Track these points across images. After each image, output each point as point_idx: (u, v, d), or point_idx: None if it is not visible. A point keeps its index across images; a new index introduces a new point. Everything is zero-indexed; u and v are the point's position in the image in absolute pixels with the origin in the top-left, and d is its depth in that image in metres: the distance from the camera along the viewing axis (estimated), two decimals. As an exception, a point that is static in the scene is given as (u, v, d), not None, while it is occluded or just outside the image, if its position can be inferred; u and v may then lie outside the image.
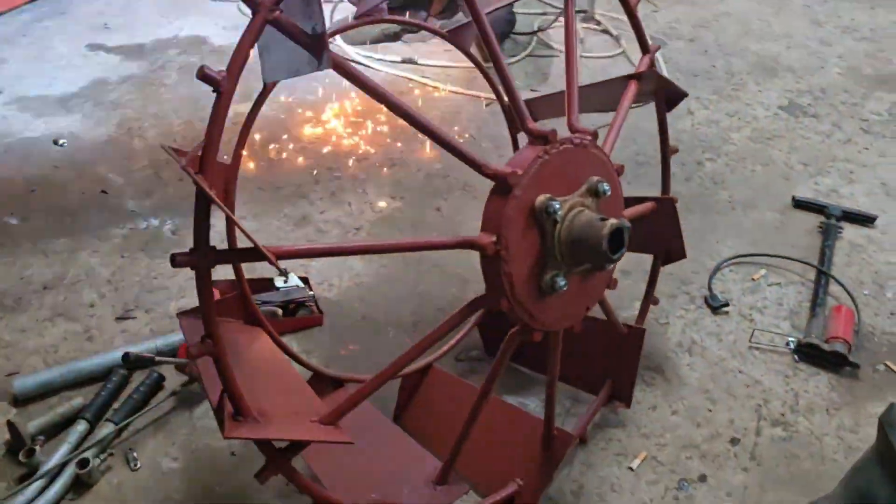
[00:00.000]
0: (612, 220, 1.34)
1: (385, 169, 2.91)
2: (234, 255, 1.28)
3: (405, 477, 1.58)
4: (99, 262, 2.46)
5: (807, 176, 2.95)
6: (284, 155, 2.99)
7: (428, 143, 3.04)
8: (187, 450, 1.89)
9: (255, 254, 1.17)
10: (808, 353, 2.16)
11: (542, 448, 1.74)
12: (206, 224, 1.17)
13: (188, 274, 2.31)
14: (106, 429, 1.89)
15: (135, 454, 1.87)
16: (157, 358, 2.01)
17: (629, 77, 1.75)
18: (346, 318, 2.26)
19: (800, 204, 2.76)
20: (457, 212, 2.69)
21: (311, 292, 2.28)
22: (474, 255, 1.37)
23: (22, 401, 1.98)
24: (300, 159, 2.97)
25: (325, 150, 3.02)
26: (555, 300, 1.44)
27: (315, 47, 1.22)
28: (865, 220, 2.70)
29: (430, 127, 1.31)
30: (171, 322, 2.24)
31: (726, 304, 2.34)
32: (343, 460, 1.57)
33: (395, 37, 3.80)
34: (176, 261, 1.17)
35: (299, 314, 2.22)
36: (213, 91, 1.15)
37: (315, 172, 2.89)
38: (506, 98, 1.60)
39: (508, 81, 1.42)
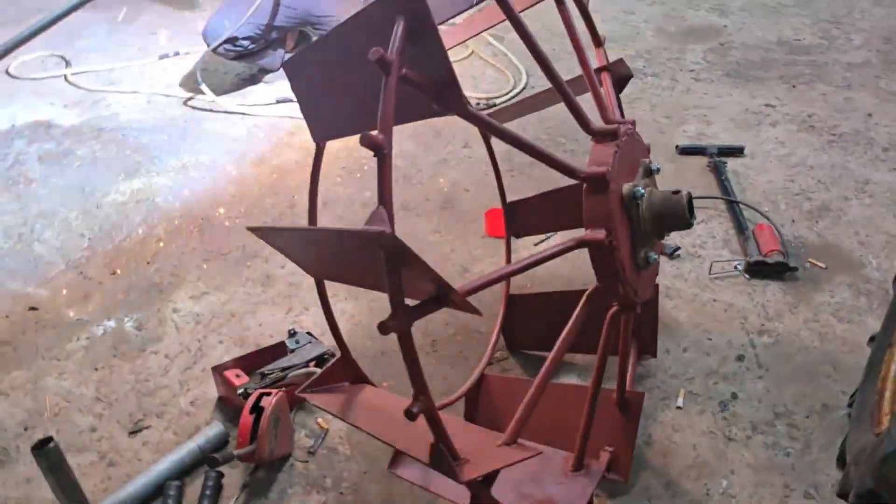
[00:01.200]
0: (684, 191, 1.55)
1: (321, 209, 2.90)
2: (428, 309, 1.24)
3: (543, 473, 1.68)
4: (73, 382, 2.22)
5: (674, 126, 3.39)
6: (216, 222, 2.86)
7: (350, 183, 3.06)
8: (284, 533, 1.83)
9: (443, 299, 1.22)
10: (756, 270, 2.55)
11: (620, 412, 1.92)
12: (400, 289, 1.17)
13: (183, 365, 2.21)
14: (194, 542, 1.77)
15: (237, 555, 1.77)
16: (236, 452, 1.89)
17: (602, 69, 1.96)
18: (367, 358, 2.26)
19: (684, 150, 3.19)
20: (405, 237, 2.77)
21: (324, 344, 2.26)
22: (446, 268, 1.51)
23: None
24: (226, 223, 2.86)
25: (245, 207, 2.93)
26: (645, 274, 1.62)
27: (443, 94, 1.27)
28: (737, 151, 3.19)
29: (535, 146, 1.42)
30: (190, 419, 2.10)
31: (678, 249, 2.67)
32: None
33: (252, 79, 3.73)
34: (387, 328, 1.17)
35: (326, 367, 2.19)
36: (375, 155, 1.17)
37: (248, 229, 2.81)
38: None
39: (567, 93, 1.56)
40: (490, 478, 1.37)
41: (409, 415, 1.20)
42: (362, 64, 1.21)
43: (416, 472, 1.76)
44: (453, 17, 1.66)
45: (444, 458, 1.26)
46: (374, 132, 1.17)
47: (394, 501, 1.90)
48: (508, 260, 2.43)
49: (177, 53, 3.92)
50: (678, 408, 2.12)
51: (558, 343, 1.54)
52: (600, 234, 1.48)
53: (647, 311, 2.16)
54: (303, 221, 2.83)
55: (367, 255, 1.22)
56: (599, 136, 1.56)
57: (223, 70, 3.79)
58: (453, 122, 3.36)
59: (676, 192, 1.56)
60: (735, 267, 2.60)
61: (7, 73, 3.80)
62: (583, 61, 1.73)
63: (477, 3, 1.57)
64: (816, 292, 2.49)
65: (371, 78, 1.24)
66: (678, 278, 2.57)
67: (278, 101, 3.52)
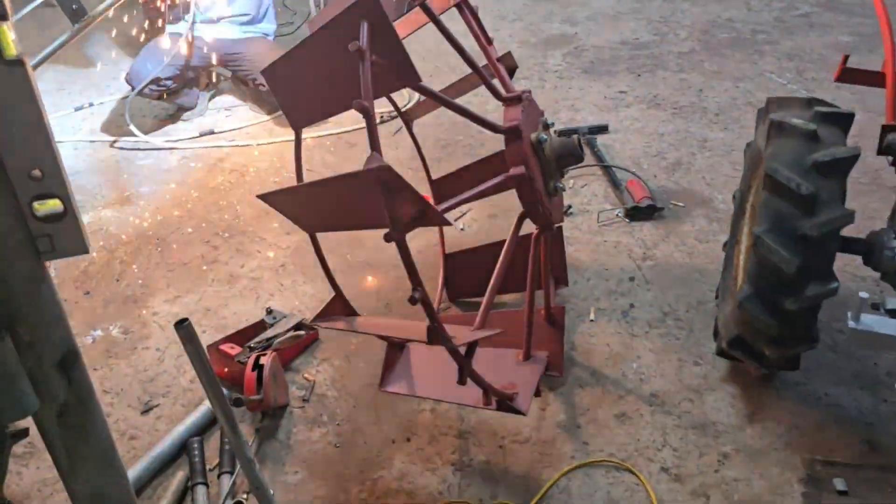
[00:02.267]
0: (574, 135, 2.11)
1: (265, 216, 3.27)
2: (415, 224, 1.66)
3: (502, 366, 2.16)
4: (77, 383, 2.49)
5: (550, 116, 3.99)
6: (171, 239, 3.17)
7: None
8: (299, 463, 2.21)
9: (425, 217, 1.69)
10: (633, 214, 3.17)
11: (549, 324, 2.44)
12: (397, 209, 1.63)
13: (175, 353, 2.54)
14: (226, 481, 2.12)
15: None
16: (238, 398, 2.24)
17: (501, 58, 2.50)
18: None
19: (561, 134, 3.79)
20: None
21: (298, 315, 2.65)
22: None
23: None
24: (181, 239, 3.18)
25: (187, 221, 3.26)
26: (555, 200, 2.16)
27: (402, 72, 1.75)
28: (603, 129, 3.84)
29: (467, 109, 1.93)
30: (193, 393, 2.44)
31: (570, 207, 3.25)
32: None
33: (172, 118, 4.05)
34: (389, 237, 1.62)
35: (303, 335, 2.58)
36: (364, 117, 1.63)
37: (208, 242, 3.15)
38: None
39: (482, 73, 2.08)
40: (470, 352, 1.84)
41: (412, 300, 1.66)
42: (335, 59, 1.68)
43: (402, 386, 2.20)
44: (395, 20, 2.15)
45: (439, 334, 1.71)
46: (360, 101, 1.64)
47: (381, 422, 2.33)
48: (441, 233, 2.91)
49: (91, 104, 4.18)
50: (591, 321, 2.67)
51: (500, 260, 2.04)
52: (521, 169, 2.00)
53: (556, 251, 2.71)
54: (251, 230, 3.21)
55: (365, 193, 1.67)
56: (509, 101, 2.09)
57: (142, 113, 4.09)
58: (364, 133, 3.81)
59: (570, 136, 2.11)
60: (617, 214, 3.21)
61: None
62: (486, 50, 2.27)
63: (407, 11, 2.06)
64: (681, 224, 3.14)
65: (341, 69, 1.70)
66: (574, 229, 3.14)
67: (202, 134, 3.87)
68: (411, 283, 1.68)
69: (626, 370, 2.47)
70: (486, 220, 3.22)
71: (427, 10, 2.01)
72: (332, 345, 2.62)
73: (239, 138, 3.86)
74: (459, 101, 2.13)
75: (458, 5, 2.31)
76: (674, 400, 2.36)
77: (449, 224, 1.73)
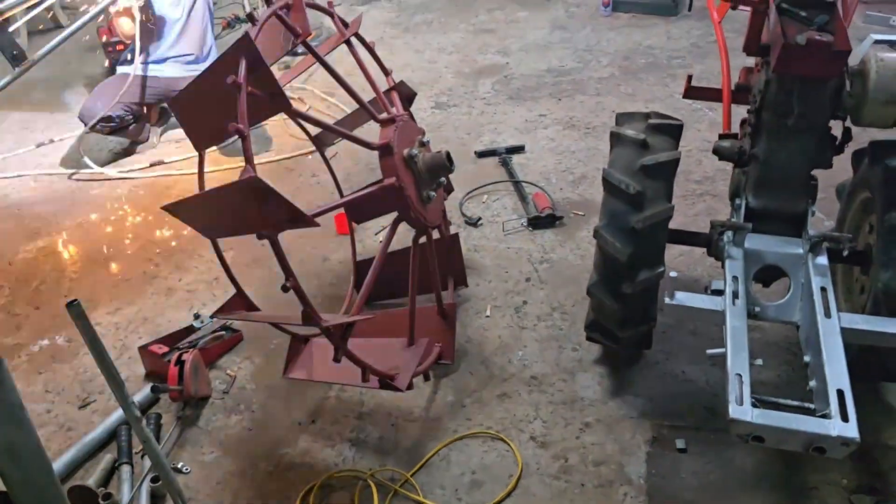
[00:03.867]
0: (444, 150, 2.45)
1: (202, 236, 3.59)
2: (287, 226, 2.00)
3: (389, 352, 2.48)
4: (23, 384, 2.79)
5: (473, 139, 4.37)
6: (118, 258, 3.49)
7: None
8: (215, 444, 2.51)
9: (298, 220, 2.02)
10: (535, 223, 3.51)
11: (441, 318, 2.77)
12: (269, 213, 1.96)
13: (113, 357, 2.82)
14: (148, 461, 2.41)
15: (181, 464, 2.43)
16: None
17: (391, 89, 2.85)
18: (260, 328, 2.98)
19: (481, 154, 4.16)
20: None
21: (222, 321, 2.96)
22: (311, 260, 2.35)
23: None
24: (126, 257, 3.50)
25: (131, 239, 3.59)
26: (431, 206, 2.49)
27: (276, 102, 2.10)
28: (519, 149, 4.20)
29: (341, 130, 2.27)
30: (128, 390, 2.73)
31: (479, 219, 3.59)
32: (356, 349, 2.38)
33: (125, 151, 4.39)
34: (263, 236, 1.94)
35: (227, 336, 2.89)
36: (239, 137, 1.96)
37: (150, 259, 3.47)
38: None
39: (363, 102, 2.43)
40: (345, 336, 2.15)
41: (284, 289, 1.98)
42: (222, 91, 2.02)
43: (303, 373, 2.51)
44: (278, 59, 2.50)
45: (310, 316, 2.03)
46: (234, 124, 1.97)
47: (291, 408, 2.63)
48: (353, 243, 3.24)
49: (52, 140, 4.52)
50: (487, 316, 3.00)
51: (377, 256, 2.36)
52: (392, 180, 2.34)
53: (454, 255, 3.04)
54: (190, 248, 3.54)
55: (242, 201, 1.99)
56: (384, 123, 2.44)
57: (98, 147, 4.43)
58: (302, 160, 4.19)
59: (439, 152, 2.45)
60: (521, 224, 3.55)
61: None
62: (369, 79, 2.63)
63: (291, 49, 2.40)
64: (578, 231, 3.48)
65: (228, 100, 2.04)
66: (482, 238, 3.48)
67: (152, 165, 4.20)
68: (284, 274, 2.01)
69: (513, 357, 2.79)
70: (403, 232, 3.54)
71: (309, 48, 2.36)
72: (254, 345, 2.93)
73: (186, 167, 4.20)
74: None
75: (347, 41, 2.66)
76: (550, 380, 2.67)
77: (317, 225, 2.04)
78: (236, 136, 1.92)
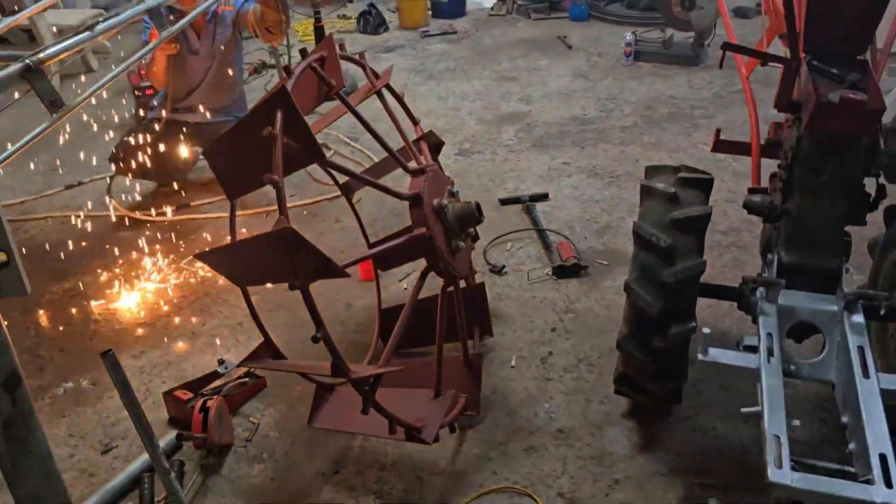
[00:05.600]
0: (473, 201, 2.46)
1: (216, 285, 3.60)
2: (318, 276, 2.00)
3: (414, 403, 2.45)
4: (46, 427, 2.77)
5: (497, 185, 4.39)
6: (132, 300, 3.51)
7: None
8: (237, 494, 2.48)
9: (328, 270, 2.02)
10: (560, 272, 3.50)
11: (467, 368, 2.74)
12: (301, 263, 1.96)
13: (141, 398, 2.82)
14: (169, 511, 2.39)
15: (202, 514, 2.40)
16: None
17: (420, 139, 2.88)
18: (284, 375, 2.97)
19: (505, 201, 4.17)
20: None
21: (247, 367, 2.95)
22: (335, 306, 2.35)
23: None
24: (151, 301, 3.52)
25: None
26: (459, 256, 2.49)
27: (310, 153, 2.12)
28: (542, 197, 4.21)
29: (374, 181, 2.29)
30: (149, 436, 2.72)
31: (503, 267, 3.58)
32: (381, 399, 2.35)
33: (154, 195, 4.44)
34: (295, 286, 1.94)
35: (251, 383, 2.88)
36: (274, 188, 1.98)
37: (176, 303, 3.48)
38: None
39: (392, 151, 2.45)
40: (373, 387, 2.14)
41: (314, 339, 1.97)
42: (258, 141, 2.05)
43: (328, 422, 2.49)
44: (312, 111, 2.54)
45: (340, 368, 2.02)
46: (269, 175, 1.99)
47: (315, 457, 2.60)
48: (378, 289, 3.24)
49: (80, 182, 4.59)
50: (512, 367, 2.97)
51: (405, 306, 2.36)
52: (422, 230, 2.34)
53: (480, 304, 3.02)
54: (214, 292, 3.55)
55: (274, 250, 2.00)
56: (414, 173, 2.45)
57: (125, 190, 4.49)
58: (326, 205, 4.22)
59: (469, 203, 2.46)
60: (546, 273, 3.53)
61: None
62: (400, 130, 2.65)
63: (323, 101, 2.43)
64: (603, 281, 3.46)
65: (263, 150, 2.07)
66: (507, 287, 3.46)
67: (178, 208, 4.25)
68: (315, 325, 2.00)
69: (539, 410, 2.75)
70: (429, 279, 3.54)
71: (343, 100, 2.39)
72: (278, 392, 2.91)
73: (211, 211, 4.24)
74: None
75: (378, 93, 2.70)
76: (577, 434, 2.63)
77: (347, 276, 2.04)
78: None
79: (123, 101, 5.53)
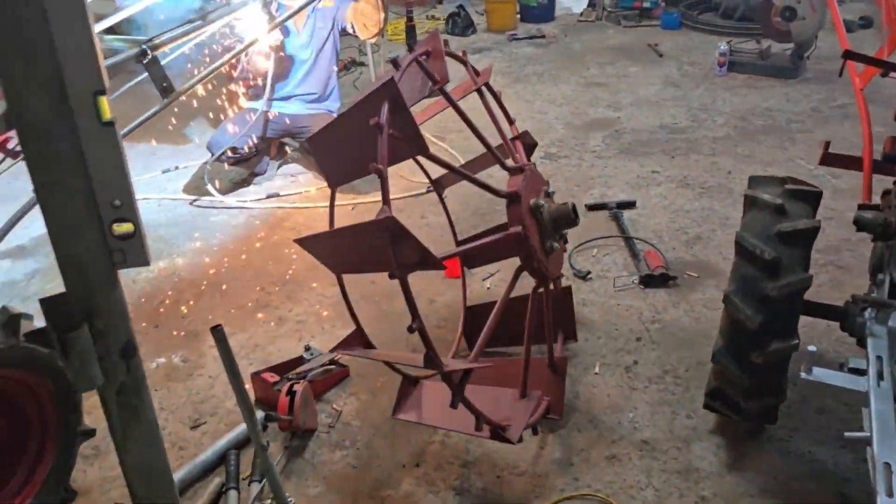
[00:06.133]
0: (570, 202, 2.43)
1: (314, 269, 3.67)
2: (416, 267, 2.01)
3: (501, 402, 2.43)
4: (140, 400, 2.89)
5: (583, 191, 4.34)
6: (233, 285, 3.61)
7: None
8: (319, 479, 2.51)
9: (426, 262, 2.02)
10: (647, 281, 3.42)
11: (551, 372, 2.71)
12: (400, 253, 1.97)
13: (224, 381, 2.91)
14: (255, 488, 2.44)
15: (287, 495, 2.44)
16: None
17: (515, 138, 2.87)
18: (367, 366, 3.00)
19: (591, 207, 4.12)
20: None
21: (332, 354, 2.99)
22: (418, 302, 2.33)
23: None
24: (241, 284, 3.62)
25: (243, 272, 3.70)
26: (552, 258, 2.47)
27: (414, 144, 2.13)
28: (630, 204, 4.14)
29: (473, 177, 2.29)
30: (236, 415, 2.79)
31: (588, 273, 3.53)
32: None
33: (244, 182, 4.57)
34: (393, 276, 1.96)
35: (335, 371, 2.92)
36: (379, 177, 2.00)
37: (263, 289, 3.57)
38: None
39: (491, 148, 2.45)
40: (463, 382, 2.13)
41: (410, 329, 1.98)
42: (362, 131, 2.07)
43: (412, 415, 2.50)
44: (415, 103, 2.55)
45: (433, 359, 2.02)
46: (375, 165, 2.01)
47: (396, 448, 2.62)
48: (464, 287, 3.24)
49: (177, 167, 4.77)
50: (595, 373, 2.92)
51: (497, 305, 2.34)
52: (518, 229, 2.32)
53: (565, 308, 2.99)
54: (301, 280, 3.62)
55: (375, 240, 2.02)
56: (513, 171, 2.44)
57: (219, 177, 4.64)
58: (411, 201, 4.25)
59: (565, 204, 2.43)
60: (632, 281, 3.47)
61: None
62: (498, 128, 2.65)
63: (429, 95, 2.45)
64: (692, 293, 3.37)
65: (367, 140, 2.09)
66: (591, 293, 3.41)
67: (268, 196, 4.36)
68: (411, 315, 2.01)
69: (622, 419, 2.69)
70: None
71: (445, 95, 2.40)
72: (360, 381, 2.94)
73: (300, 201, 4.33)
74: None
75: (478, 90, 2.70)
76: (662, 447, 2.56)
77: (444, 268, 2.05)
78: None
79: (211, 87, 5.71)
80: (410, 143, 2.12)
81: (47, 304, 1.47)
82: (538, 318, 2.61)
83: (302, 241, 2.21)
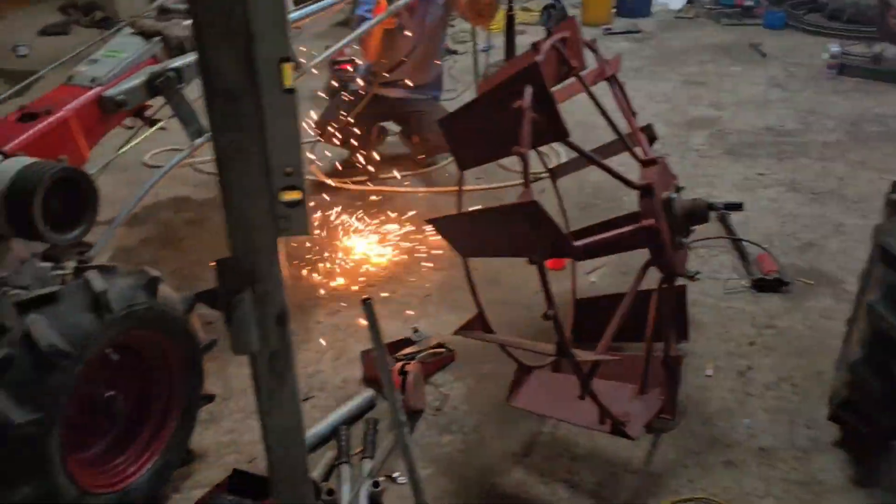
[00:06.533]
0: (703, 199, 2.37)
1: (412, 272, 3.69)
2: (555, 254, 1.99)
3: (620, 398, 2.39)
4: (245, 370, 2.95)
5: (687, 191, 4.19)
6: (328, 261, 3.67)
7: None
8: (428, 460, 2.52)
9: (563, 249, 2.00)
10: (761, 285, 3.32)
11: (665, 370, 2.65)
12: (539, 238, 1.95)
13: (331, 357, 2.94)
14: (367, 464, 2.47)
15: (395, 473, 2.46)
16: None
17: (642, 129, 2.80)
18: (474, 351, 2.99)
19: (696, 207, 4.02)
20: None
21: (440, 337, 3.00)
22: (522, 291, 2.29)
23: (282, 470, 2.47)
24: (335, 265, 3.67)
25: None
26: (679, 254, 2.41)
27: (554, 130, 2.10)
28: (737, 206, 4.01)
29: (608, 166, 2.25)
30: (344, 391, 2.83)
31: (697, 273, 3.43)
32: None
33: (346, 164, 4.62)
34: (532, 261, 1.94)
35: (444, 354, 2.93)
36: (520, 161, 1.98)
37: (368, 268, 3.61)
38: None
39: (625, 139, 2.40)
40: (592, 374, 2.10)
41: (545, 317, 1.96)
42: (500, 115, 2.06)
43: (527, 402, 2.48)
44: (554, 87, 2.53)
45: (566, 348, 2.00)
46: (518, 147, 1.99)
47: (504, 436, 2.60)
48: (574, 279, 3.19)
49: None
50: (707, 376, 2.84)
51: (626, 298, 2.30)
52: (651, 222, 2.27)
53: (679, 305, 2.92)
54: (408, 257, 3.64)
55: (514, 223, 2.01)
56: (646, 163, 2.39)
57: (322, 157, 4.70)
58: (510, 192, 4.20)
59: (698, 199, 2.37)
60: (743, 284, 3.37)
61: (143, 163, 4.73)
62: (629, 119, 2.60)
63: (564, 81, 2.42)
64: (807, 300, 3.25)
65: (504, 124, 2.07)
66: (701, 294, 3.32)
67: (367, 179, 4.40)
68: (547, 303, 1.99)
69: (737, 424, 2.62)
70: (617, 275, 3.47)
71: (581, 81, 2.36)
72: (467, 366, 2.94)
73: (396, 185, 4.36)
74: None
75: (608, 79, 2.65)
76: (781, 456, 2.48)
77: (582, 257, 2.02)
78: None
79: (315, 72, 5.79)
80: (552, 128, 2.10)
81: (222, 264, 1.50)
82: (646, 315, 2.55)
83: (434, 222, 2.22)
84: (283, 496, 1.75)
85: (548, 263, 3.49)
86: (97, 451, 2.24)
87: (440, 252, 3.63)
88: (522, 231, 1.97)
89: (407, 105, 4.38)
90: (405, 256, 3.69)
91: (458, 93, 5.43)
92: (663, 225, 2.31)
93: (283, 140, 1.47)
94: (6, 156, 2.14)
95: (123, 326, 2.07)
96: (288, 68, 1.40)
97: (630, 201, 4.14)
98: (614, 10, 7.68)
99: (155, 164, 4.66)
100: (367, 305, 1.71)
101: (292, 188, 1.53)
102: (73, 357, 1.91)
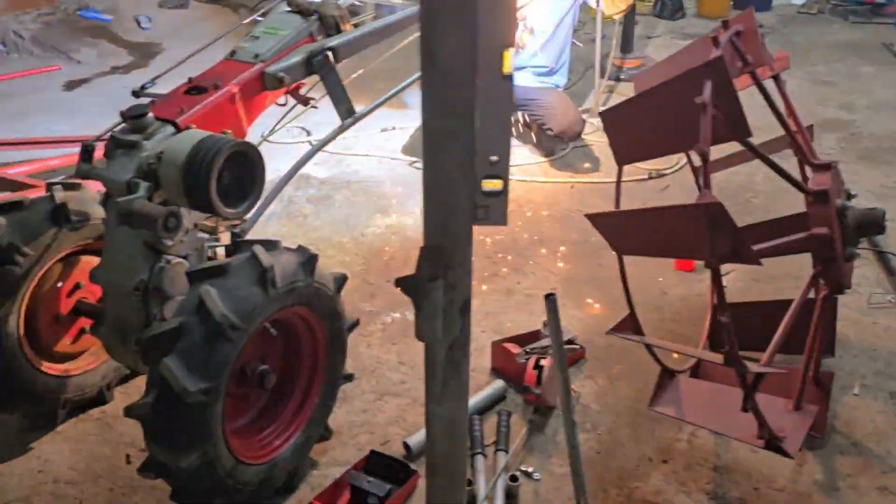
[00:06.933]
0: (881, 208, 2.23)
1: (537, 243, 3.64)
2: (731, 259, 1.91)
3: (775, 411, 2.28)
4: (379, 351, 2.97)
5: (820, 196, 4.03)
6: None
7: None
8: (563, 458, 2.46)
9: (741, 255, 1.91)
10: (908, 302, 3.14)
11: (815, 385, 2.52)
12: (718, 242, 1.87)
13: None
14: (501, 457, 2.44)
15: (530, 469, 2.43)
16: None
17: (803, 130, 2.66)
18: (603, 350, 2.93)
19: (833, 214, 3.82)
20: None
21: (570, 331, 2.94)
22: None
23: (416, 455, 2.47)
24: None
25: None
26: (847, 266, 2.28)
27: (735, 126, 2.01)
28: (878, 216, 3.80)
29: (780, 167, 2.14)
30: (473, 380, 2.79)
31: (838, 284, 3.27)
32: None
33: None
34: (708, 264, 1.86)
35: (576, 351, 2.88)
36: (702, 159, 1.89)
37: (489, 257, 3.58)
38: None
39: (795, 138, 2.28)
40: (756, 385, 2.01)
41: (717, 321, 1.88)
42: (677, 109, 1.97)
43: (671, 410, 2.40)
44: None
45: (734, 358, 1.91)
46: (700, 145, 1.91)
47: (640, 441, 2.53)
48: (716, 283, 3.08)
49: (394, 128, 4.87)
50: (855, 394, 2.70)
51: (791, 308, 2.19)
52: (824, 230, 2.15)
53: (826, 317, 2.77)
54: (527, 253, 3.59)
55: (691, 224, 1.93)
56: (818, 168, 2.26)
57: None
58: (633, 187, 4.07)
59: (875, 209, 2.24)
60: (890, 300, 3.18)
61: (264, 137, 4.81)
62: (796, 119, 2.47)
63: (738, 76, 2.30)
64: (959, 320, 3.05)
65: (680, 118, 1.99)
66: (843, 307, 3.10)
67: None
68: (719, 308, 1.91)
69: (893, 449, 2.47)
70: (748, 282, 3.34)
71: (755, 78, 2.25)
72: (596, 365, 2.88)
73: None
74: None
75: (774, 77, 2.52)
76: (943, 487, 2.33)
77: (760, 264, 1.93)
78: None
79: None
80: (733, 126, 2.00)
81: (428, 251, 1.48)
82: (796, 328, 2.42)
83: (593, 217, 2.16)
84: (439, 484, 1.74)
85: (675, 264, 3.44)
86: (245, 422, 2.29)
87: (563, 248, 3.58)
88: (698, 232, 1.88)
89: (529, 92, 4.31)
90: (529, 245, 3.64)
91: (572, 83, 5.33)
92: (836, 235, 2.18)
93: (493, 127, 1.44)
94: (178, 128, 2.19)
95: (284, 302, 2.09)
96: (508, 56, 1.37)
97: (757, 203, 4.00)
98: (731, 3, 7.39)
99: (277, 141, 4.73)
100: (551, 301, 1.67)
101: (496, 177, 1.50)
102: (240, 329, 1.94)
